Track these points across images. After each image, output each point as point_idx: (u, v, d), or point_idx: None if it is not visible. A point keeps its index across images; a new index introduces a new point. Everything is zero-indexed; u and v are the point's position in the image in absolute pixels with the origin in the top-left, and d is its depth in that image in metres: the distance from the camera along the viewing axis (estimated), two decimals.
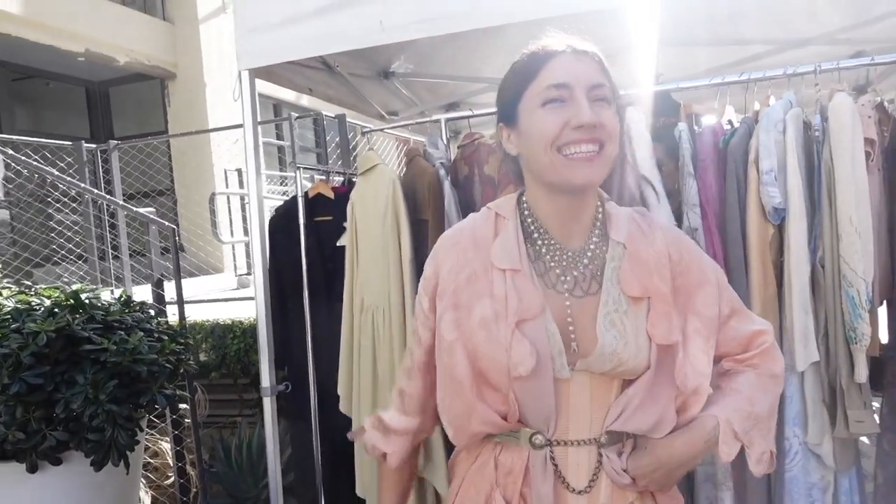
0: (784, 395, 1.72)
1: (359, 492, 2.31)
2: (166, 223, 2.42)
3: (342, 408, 2.33)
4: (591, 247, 1.02)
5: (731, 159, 1.73)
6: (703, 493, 1.84)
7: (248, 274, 5.66)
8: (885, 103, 1.82)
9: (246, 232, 5.75)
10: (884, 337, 1.82)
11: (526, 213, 1.05)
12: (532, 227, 1.04)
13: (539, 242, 1.02)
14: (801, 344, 1.64)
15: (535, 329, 0.95)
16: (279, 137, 7.74)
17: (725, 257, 1.73)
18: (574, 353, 0.97)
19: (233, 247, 5.95)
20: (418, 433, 1.13)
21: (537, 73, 0.96)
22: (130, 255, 4.17)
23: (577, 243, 1.02)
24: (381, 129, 2.88)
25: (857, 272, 1.59)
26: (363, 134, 2.44)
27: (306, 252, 2.44)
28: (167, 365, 2.12)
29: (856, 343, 1.60)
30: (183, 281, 2.59)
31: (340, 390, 2.33)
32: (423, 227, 2.14)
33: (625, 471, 0.98)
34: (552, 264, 1.01)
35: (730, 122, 1.94)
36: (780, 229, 1.71)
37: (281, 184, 6.68)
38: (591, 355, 0.96)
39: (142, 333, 2.08)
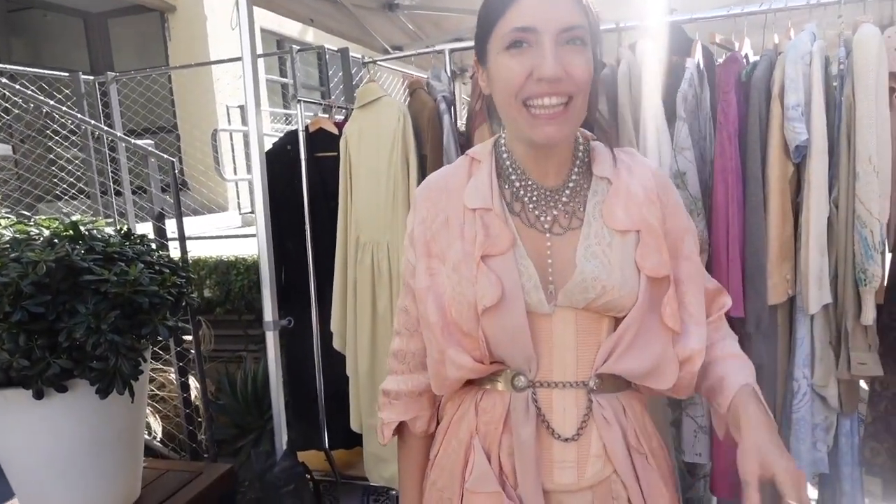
0: (795, 338, 1.71)
1: (353, 426, 2.35)
2: (165, 156, 2.38)
3: (335, 345, 2.34)
4: (571, 184, 0.99)
5: (754, 93, 1.66)
6: (700, 443, 1.85)
7: (252, 212, 5.63)
8: None
9: (249, 170, 5.69)
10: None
11: (504, 154, 1.02)
12: (510, 169, 1.01)
13: (517, 183, 1.00)
14: (815, 286, 1.61)
15: (502, 263, 0.93)
16: (283, 75, 7.58)
17: (744, 196, 1.68)
18: (553, 289, 0.94)
19: (236, 184, 5.91)
20: (429, 389, 1.07)
21: (505, 10, 0.89)
22: (133, 192, 4.14)
23: (555, 181, 1.00)
24: (384, 60, 2.79)
25: (871, 212, 1.54)
26: (364, 65, 2.36)
27: (308, 188, 2.41)
28: (169, 297, 2.11)
29: (865, 285, 1.58)
30: (187, 219, 2.56)
31: (334, 327, 2.33)
32: (424, 163, 2.09)
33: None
34: (530, 204, 0.99)
35: (746, 56, 1.86)
36: (799, 168, 1.66)
37: (285, 121, 6.58)
38: (568, 282, 0.93)
39: (142, 265, 2.07)
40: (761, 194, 1.68)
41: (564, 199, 0.99)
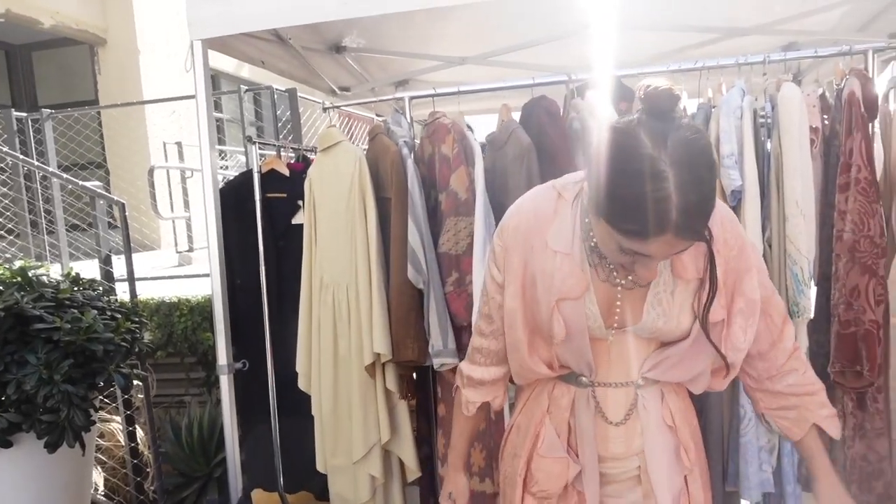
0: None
1: (319, 467, 2.32)
2: (115, 197, 2.33)
3: (301, 385, 2.32)
4: None
5: None
6: None
7: (191, 250, 5.48)
8: (827, 94, 1.95)
9: (187, 207, 5.55)
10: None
11: (587, 219, 1.07)
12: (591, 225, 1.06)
13: (594, 243, 1.06)
14: None
15: (573, 308, 1.08)
16: (217, 110, 7.46)
17: None
18: (617, 321, 1.10)
19: (173, 223, 5.74)
20: (507, 375, 1.31)
21: (629, 237, 0.90)
22: (67, 230, 3.96)
23: None
24: (345, 105, 2.84)
25: (801, 251, 1.71)
26: (324, 110, 2.41)
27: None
28: (123, 343, 2.06)
29: (798, 316, 1.73)
30: (118, 258, 2.48)
31: (299, 367, 2.31)
32: (386, 205, 2.14)
33: None
34: (610, 265, 1.08)
35: (684, 108, 2.02)
36: (735, 211, 1.81)
37: (221, 158, 6.47)
38: (634, 325, 1.09)
39: (95, 312, 2.01)
40: None
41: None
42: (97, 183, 2.39)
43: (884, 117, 1.84)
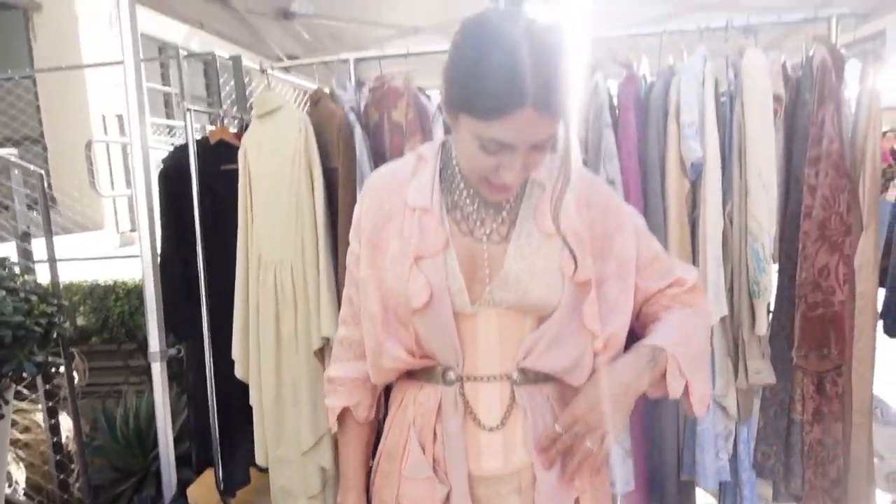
0: None
1: (259, 460, 2.19)
2: (31, 167, 2.12)
3: (237, 373, 2.16)
4: (512, 197, 1.02)
5: (651, 112, 1.72)
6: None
7: (133, 230, 5.21)
8: (787, 64, 1.87)
9: (129, 184, 5.27)
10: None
11: (454, 162, 1.04)
12: (458, 178, 1.03)
13: (461, 187, 1.03)
14: (713, 298, 1.68)
15: (433, 265, 0.98)
16: (165, 83, 7.12)
17: (645, 212, 1.72)
18: (482, 286, 0.99)
19: (114, 201, 5.45)
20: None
21: (491, 119, 0.85)
22: None
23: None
24: (283, 67, 2.66)
25: (762, 226, 1.63)
26: (261, 72, 2.23)
27: (215, 202, 2.22)
28: (37, 328, 1.87)
29: (758, 297, 1.66)
30: (57, 238, 2.29)
31: (235, 354, 2.15)
32: (333, 176, 1.98)
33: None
34: (473, 215, 1.02)
35: (644, 76, 1.93)
36: (694, 186, 1.72)
37: (168, 133, 6.17)
38: (493, 282, 0.97)
39: (4, 293, 1.83)
40: (662, 211, 1.74)
41: (505, 212, 1.01)
42: (11, 150, 2.17)
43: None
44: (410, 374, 1.06)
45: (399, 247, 1.00)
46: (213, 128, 2.38)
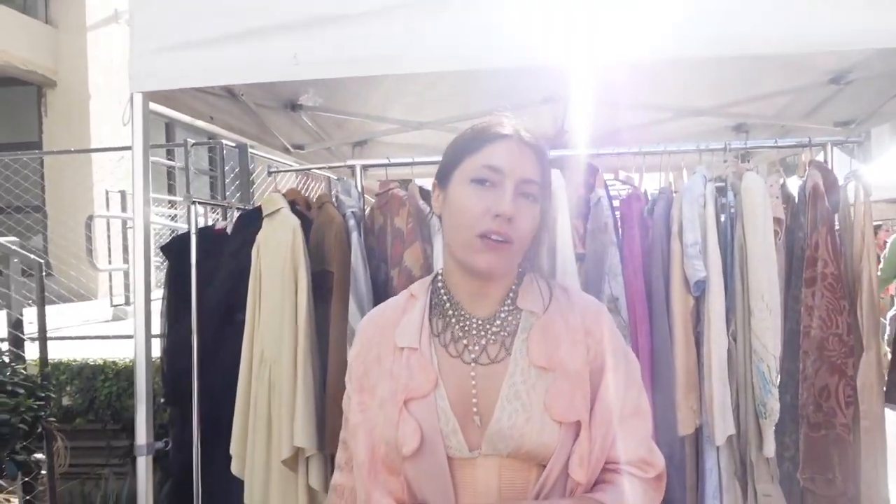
0: (704, 469, 1.72)
1: None
2: (32, 256, 2.11)
3: (233, 469, 2.09)
4: (503, 315, 1.00)
5: (655, 230, 1.74)
6: None
7: (127, 304, 5.16)
8: (787, 183, 1.92)
9: (125, 261, 5.27)
10: None
11: (441, 287, 1.04)
12: (445, 299, 1.03)
13: (450, 313, 1.02)
14: (719, 416, 1.65)
15: (423, 407, 0.94)
16: (170, 157, 7.25)
17: (651, 328, 1.71)
18: (477, 429, 0.94)
19: (110, 275, 5.43)
20: None
21: (479, 149, 0.98)
22: None
23: (487, 312, 1.01)
24: (292, 171, 2.71)
25: (767, 347, 1.63)
26: (269, 174, 2.27)
27: (233, 285, 2.21)
28: (21, 425, 1.82)
29: (765, 418, 1.63)
30: (49, 308, 2.26)
31: (233, 449, 2.09)
32: (329, 280, 1.99)
33: None
34: (460, 334, 1.00)
35: (645, 192, 1.96)
36: (698, 301, 1.73)
37: (170, 207, 6.23)
38: (487, 430, 0.92)
39: None
40: (667, 328, 1.73)
41: (494, 329, 0.99)
42: (13, 239, 2.17)
43: (844, 211, 1.81)
44: None
45: (388, 389, 0.97)
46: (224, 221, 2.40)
